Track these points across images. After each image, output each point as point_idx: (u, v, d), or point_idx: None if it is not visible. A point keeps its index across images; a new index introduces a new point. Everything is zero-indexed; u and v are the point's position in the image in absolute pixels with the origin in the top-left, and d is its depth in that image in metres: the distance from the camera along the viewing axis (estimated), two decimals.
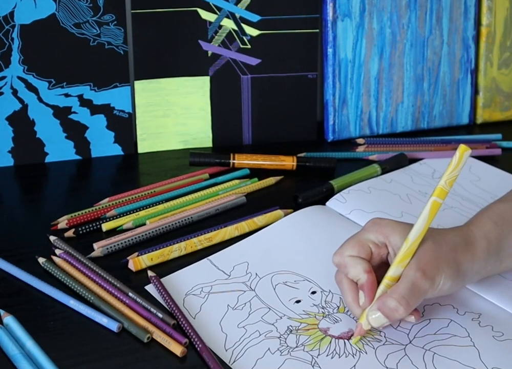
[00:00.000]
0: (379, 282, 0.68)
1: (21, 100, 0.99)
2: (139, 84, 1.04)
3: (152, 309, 0.71)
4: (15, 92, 0.99)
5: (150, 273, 0.76)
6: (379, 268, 0.70)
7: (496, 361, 0.65)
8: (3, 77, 0.98)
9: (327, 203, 0.90)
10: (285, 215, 0.87)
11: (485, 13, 1.13)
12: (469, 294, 0.73)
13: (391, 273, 0.67)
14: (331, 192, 0.93)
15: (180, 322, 0.69)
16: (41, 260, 0.78)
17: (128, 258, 0.79)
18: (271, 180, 0.97)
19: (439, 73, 1.12)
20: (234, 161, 0.99)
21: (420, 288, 0.65)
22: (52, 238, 0.82)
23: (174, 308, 0.71)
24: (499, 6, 1.13)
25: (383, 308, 0.65)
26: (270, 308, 0.72)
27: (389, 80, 1.10)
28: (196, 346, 0.66)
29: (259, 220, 0.86)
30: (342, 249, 0.70)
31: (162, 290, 0.73)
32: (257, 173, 0.98)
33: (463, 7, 1.11)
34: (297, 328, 0.69)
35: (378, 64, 1.09)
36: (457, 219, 0.82)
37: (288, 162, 0.99)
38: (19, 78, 0.98)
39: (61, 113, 1.01)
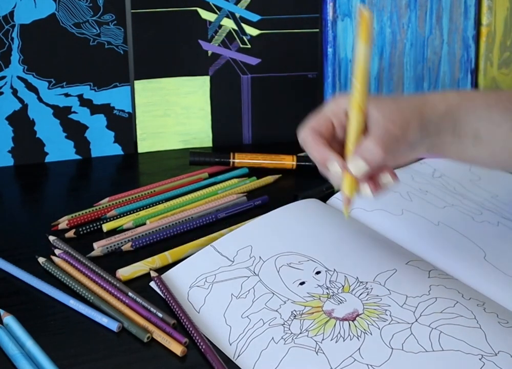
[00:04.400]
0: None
1: (21, 100, 0.99)
2: (138, 84, 1.04)
3: (152, 309, 0.71)
4: (15, 92, 0.99)
5: (152, 273, 0.76)
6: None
7: (503, 345, 0.64)
8: (3, 77, 0.98)
9: (327, 202, 0.90)
10: None
11: (485, 12, 1.13)
12: (471, 286, 0.73)
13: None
14: (331, 192, 0.93)
15: (183, 322, 0.69)
16: (41, 260, 0.78)
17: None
18: (269, 179, 0.97)
19: (439, 73, 1.12)
20: (234, 160, 0.99)
21: (392, 134, 0.66)
22: (51, 238, 0.82)
23: (176, 308, 0.70)
24: (499, 6, 1.13)
25: (360, 151, 0.67)
26: (273, 293, 0.71)
27: (389, 80, 1.10)
28: (199, 345, 0.66)
29: None
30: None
31: (164, 291, 0.73)
32: (257, 173, 0.98)
33: (463, 7, 1.11)
34: (301, 312, 0.69)
35: (378, 64, 1.09)
36: (458, 217, 0.82)
37: (288, 161, 0.99)
38: (19, 77, 0.98)
39: (61, 113, 1.01)
